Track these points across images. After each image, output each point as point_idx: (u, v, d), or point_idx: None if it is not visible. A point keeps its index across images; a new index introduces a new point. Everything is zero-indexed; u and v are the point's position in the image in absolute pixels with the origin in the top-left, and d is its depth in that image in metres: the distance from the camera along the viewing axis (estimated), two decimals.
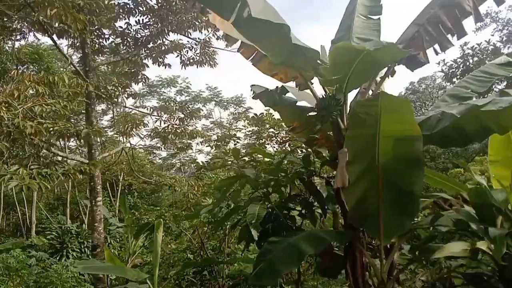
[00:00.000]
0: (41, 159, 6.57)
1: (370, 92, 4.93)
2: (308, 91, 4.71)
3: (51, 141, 7.07)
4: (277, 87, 5.00)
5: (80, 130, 6.60)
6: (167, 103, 10.85)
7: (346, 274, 4.70)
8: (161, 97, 20.58)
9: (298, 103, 4.98)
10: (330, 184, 4.71)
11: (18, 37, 18.19)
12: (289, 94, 5.15)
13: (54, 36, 9.09)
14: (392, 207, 4.07)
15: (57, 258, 15.84)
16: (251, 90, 5.14)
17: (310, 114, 5.05)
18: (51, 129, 6.49)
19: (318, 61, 4.18)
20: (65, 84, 7.72)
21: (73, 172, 6.57)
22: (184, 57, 11.85)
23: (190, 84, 21.64)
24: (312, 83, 4.71)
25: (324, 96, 4.24)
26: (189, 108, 10.87)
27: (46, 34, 8.39)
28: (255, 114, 8.89)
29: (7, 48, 16.76)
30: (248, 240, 5.25)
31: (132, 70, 11.07)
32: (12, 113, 6.36)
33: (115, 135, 23.62)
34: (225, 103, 24.69)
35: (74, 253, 17.82)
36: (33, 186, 5.67)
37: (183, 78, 22.77)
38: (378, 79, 4.93)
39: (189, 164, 26.95)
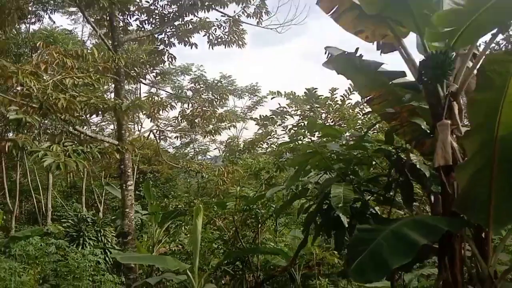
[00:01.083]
0: (74, 137, 5.85)
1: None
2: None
3: (84, 117, 6.35)
4: (356, 49, 4.22)
5: (119, 103, 5.87)
6: (196, 84, 10.07)
7: (440, 269, 3.98)
8: (175, 84, 19.87)
9: (382, 68, 4.21)
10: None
11: (33, 19, 17.48)
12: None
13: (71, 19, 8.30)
14: (507, 191, 3.36)
15: (74, 246, 15.27)
16: (325, 52, 4.37)
17: (395, 82, 4.30)
18: (86, 102, 5.77)
19: (426, 11, 3.42)
20: (95, 58, 6.99)
21: (110, 151, 5.86)
22: (212, 36, 11.06)
23: (205, 72, 20.86)
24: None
25: (433, 53, 3.46)
26: (220, 89, 10.11)
27: (75, 3, 7.63)
28: (293, 93, 8.06)
29: (22, 31, 16.06)
30: (323, 227, 4.54)
31: (159, 49, 10.30)
32: (42, 85, 5.64)
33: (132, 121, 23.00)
34: (240, 92, 23.88)
35: (90, 241, 17.25)
36: (70, 163, 4.96)
37: (197, 66, 21.99)
38: None
39: (203, 154, 26.28)
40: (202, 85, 10.02)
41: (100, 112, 5.99)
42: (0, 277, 9.68)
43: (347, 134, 4.89)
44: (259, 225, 9.25)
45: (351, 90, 6.85)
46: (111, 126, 22.20)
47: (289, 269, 9.38)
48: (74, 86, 6.05)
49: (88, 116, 6.20)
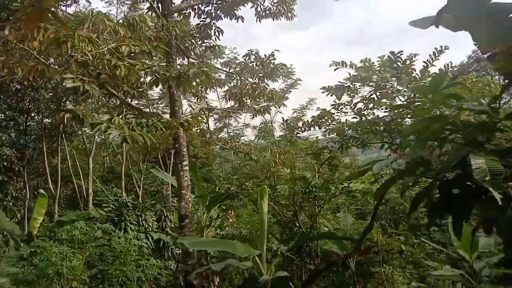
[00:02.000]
0: (133, 110, 5.21)
1: None
2: None
3: (142, 89, 5.71)
4: None
5: (184, 71, 5.18)
6: (246, 58, 9.29)
7: None
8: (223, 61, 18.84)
9: None
10: None
11: (69, 1, 17.04)
12: None
13: None
14: None
15: (115, 231, 15.02)
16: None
17: None
18: (146, 70, 5.11)
19: None
20: (148, 25, 6.31)
21: (175, 125, 5.20)
22: (260, 7, 10.21)
23: (238, 55, 19.97)
24: None
25: None
26: (272, 64, 9.30)
27: None
28: (368, 60, 7.07)
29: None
30: (439, 208, 3.70)
31: (205, 22, 9.55)
32: (98, 51, 4.99)
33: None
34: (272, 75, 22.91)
35: (132, 225, 17.00)
36: (137, 137, 4.30)
37: (230, 49, 21.10)
38: None
39: (237, 138, 25.64)
40: (254, 60, 9.23)
41: (160, 83, 5.31)
42: (51, 261, 9.36)
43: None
44: (319, 209, 8.51)
45: (437, 54, 5.92)
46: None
47: (353, 255, 8.64)
48: (130, 54, 5.38)
49: (147, 87, 5.54)
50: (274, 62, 9.29)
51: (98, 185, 19.72)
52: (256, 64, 9.38)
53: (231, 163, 25.92)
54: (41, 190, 13.42)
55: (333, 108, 6.92)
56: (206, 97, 10.04)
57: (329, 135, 8.45)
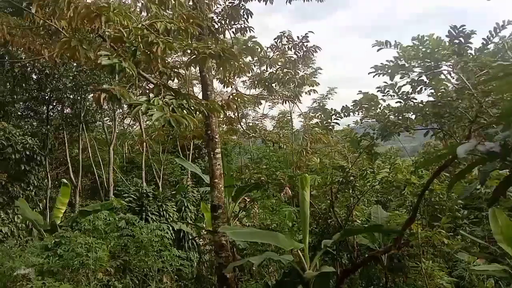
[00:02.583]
0: (170, 92, 4.76)
1: None
2: None
3: (177, 70, 5.27)
4: None
5: (228, 47, 4.71)
6: (278, 41, 8.74)
7: None
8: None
9: None
10: None
11: None
12: None
13: None
14: None
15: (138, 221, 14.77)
16: None
17: None
18: (185, 48, 4.66)
19: None
20: (182, 3, 5.85)
21: (216, 108, 4.75)
22: None
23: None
24: None
25: None
26: (305, 47, 8.75)
27: None
28: (422, 36, 6.48)
29: None
30: None
31: (234, 4, 9.03)
32: (135, 27, 4.55)
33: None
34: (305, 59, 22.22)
35: (153, 216, 16.76)
36: (180, 119, 3.86)
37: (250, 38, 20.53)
38: None
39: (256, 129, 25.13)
40: (286, 43, 8.69)
41: (199, 62, 4.85)
42: (76, 252, 9.09)
43: None
44: (356, 200, 8.01)
45: (498, 29, 5.33)
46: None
47: (393, 250, 8.14)
48: (166, 32, 4.93)
49: (185, 67, 5.08)
50: (307, 45, 8.74)
51: (118, 175, 19.50)
52: (288, 47, 8.85)
53: (249, 154, 25.49)
54: (64, 180, 13.19)
55: (379, 91, 6.39)
56: (233, 83, 9.54)
57: (361, 121, 7.94)
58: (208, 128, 7.03)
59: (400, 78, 6.05)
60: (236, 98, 5.87)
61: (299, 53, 8.93)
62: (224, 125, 11.78)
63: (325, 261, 7.97)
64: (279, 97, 9.73)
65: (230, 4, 9.14)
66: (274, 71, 9.18)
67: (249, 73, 9.15)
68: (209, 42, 6.49)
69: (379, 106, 6.95)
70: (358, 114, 7.03)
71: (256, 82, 9.53)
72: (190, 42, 4.84)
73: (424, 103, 6.83)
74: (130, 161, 22.88)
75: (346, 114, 7.21)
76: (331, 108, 7.59)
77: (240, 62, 7.90)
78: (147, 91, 4.95)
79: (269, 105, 25.03)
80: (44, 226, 11.92)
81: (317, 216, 8.29)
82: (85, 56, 6.32)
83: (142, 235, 12.38)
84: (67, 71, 13.22)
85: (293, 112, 26.94)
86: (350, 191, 8.20)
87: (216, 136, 7.12)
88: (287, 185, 12.16)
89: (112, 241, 10.82)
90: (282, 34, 8.68)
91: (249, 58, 8.43)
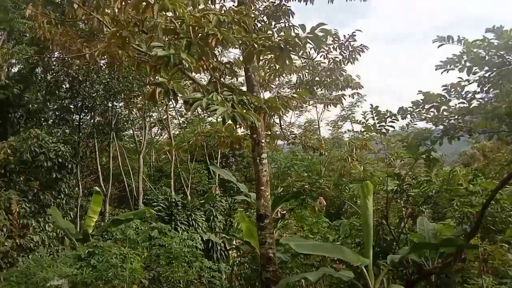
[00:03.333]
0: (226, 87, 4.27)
1: None
2: None
3: (229, 65, 4.79)
4: None
5: (293, 37, 4.17)
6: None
7: None
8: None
9: None
10: None
11: None
12: None
13: None
14: None
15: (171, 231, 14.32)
16: None
17: None
18: (244, 38, 4.17)
19: None
20: None
21: (275, 105, 4.23)
22: None
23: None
24: None
25: None
26: (351, 46, 8.15)
27: None
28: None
29: None
30: None
31: (275, 3, 8.55)
32: (193, 16, 4.08)
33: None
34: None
35: (182, 225, 16.33)
36: (246, 115, 3.35)
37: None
38: None
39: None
40: (332, 43, 8.13)
41: (255, 56, 4.35)
42: (111, 263, 8.66)
43: None
44: (412, 210, 7.31)
45: None
46: None
47: (452, 265, 7.38)
48: (219, 24, 4.45)
49: (243, 62, 4.60)
50: (353, 44, 8.16)
51: (146, 184, 19.19)
52: (333, 47, 8.29)
53: (275, 163, 24.86)
54: (96, 188, 12.88)
55: (445, 89, 5.75)
56: (272, 86, 9.03)
57: (407, 126, 7.28)
58: (254, 131, 6.51)
59: (468, 75, 5.39)
60: (296, 96, 5.31)
61: (345, 53, 8.35)
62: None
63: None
64: (322, 101, 9.14)
65: (272, 4, 8.67)
66: (317, 72, 8.63)
67: (290, 74, 8.61)
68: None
69: (442, 107, 6.30)
70: (412, 117, 6.38)
71: (297, 84, 8.98)
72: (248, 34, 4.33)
73: (492, 102, 6.17)
74: (158, 170, 22.60)
75: (403, 116, 6.60)
76: (386, 110, 6.99)
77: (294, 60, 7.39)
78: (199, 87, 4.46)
79: (296, 113, 24.44)
80: (76, 235, 11.58)
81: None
82: (127, 54, 5.92)
83: (174, 245, 11.92)
84: (100, 77, 13.01)
85: (321, 120, 26.26)
86: (403, 201, 7.51)
87: (263, 140, 6.58)
88: (321, 195, 11.52)
89: (145, 251, 10.37)
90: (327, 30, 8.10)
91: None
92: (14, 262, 12.41)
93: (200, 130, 18.67)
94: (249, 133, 6.78)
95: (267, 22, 7.98)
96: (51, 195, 13.87)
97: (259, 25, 7.88)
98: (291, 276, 6.44)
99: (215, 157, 21.65)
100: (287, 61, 4.37)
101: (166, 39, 4.24)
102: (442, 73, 5.48)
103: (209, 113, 3.53)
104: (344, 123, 24.59)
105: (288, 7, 8.64)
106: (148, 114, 16.70)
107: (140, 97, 14.79)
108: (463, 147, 21.77)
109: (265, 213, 6.46)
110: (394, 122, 6.83)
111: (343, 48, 8.33)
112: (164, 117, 20.38)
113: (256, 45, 4.21)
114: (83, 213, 15.20)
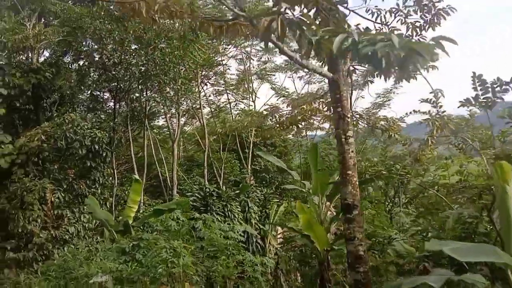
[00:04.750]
0: None
1: None
2: None
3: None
4: None
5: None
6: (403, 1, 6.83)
7: None
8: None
9: None
10: None
11: None
12: None
13: None
14: None
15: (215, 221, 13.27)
16: None
17: None
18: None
19: None
20: None
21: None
22: None
23: None
24: None
25: None
26: (434, 9, 6.86)
27: None
28: None
29: None
30: None
31: None
32: None
33: None
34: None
35: (218, 216, 15.31)
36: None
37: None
38: None
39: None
40: (412, 6, 6.84)
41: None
42: (161, 257, 7.60)
43: None
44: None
45: None
46: None
47: None
48: None
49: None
50: (438, 6, 6.85)
51: (180, 173, 18.20)
52: (414, 10, 7.00)
53: (304, 155, 23.56)
54: (135, 176, 11.89)
55: None
56: None
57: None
58: (338, 103, 5.29)
59: None
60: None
61: (426, 16, 7.02)
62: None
63: None
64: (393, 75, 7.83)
65: None
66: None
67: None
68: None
69: None
70: None
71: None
72: None
73: None
74: (189, 159, 21.61)
75: None
76: (497, 78, 5.68)
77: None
78: None
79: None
80: (115, 226, 10.59)
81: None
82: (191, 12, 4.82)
83: (217, 237, 10.90)
84: (136, 59, 11.98)
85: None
86: None
87: (348, 115, 5.37)
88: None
89: (192, 244, 9.32)
90: None
91: None
92: (50, 255, 11.57)
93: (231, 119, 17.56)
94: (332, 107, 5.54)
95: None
96: (86, 185, 12.98)
97: None
98: (400, 280, 5.22)
99: (248, 146, 20.53)
100: None
101: None
102: None
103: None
104: (379, 110, 22.85)
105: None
106: (180, 101, 15.63)
107: (175, 80, 13.67)
108: None
109: (354, 203, 5.24)
110: (504, 93, 5.53)
111: (425, 11, 7.01)
112: (194, 105, 19.39)
113: None
114: (119, 203, 14.30)
